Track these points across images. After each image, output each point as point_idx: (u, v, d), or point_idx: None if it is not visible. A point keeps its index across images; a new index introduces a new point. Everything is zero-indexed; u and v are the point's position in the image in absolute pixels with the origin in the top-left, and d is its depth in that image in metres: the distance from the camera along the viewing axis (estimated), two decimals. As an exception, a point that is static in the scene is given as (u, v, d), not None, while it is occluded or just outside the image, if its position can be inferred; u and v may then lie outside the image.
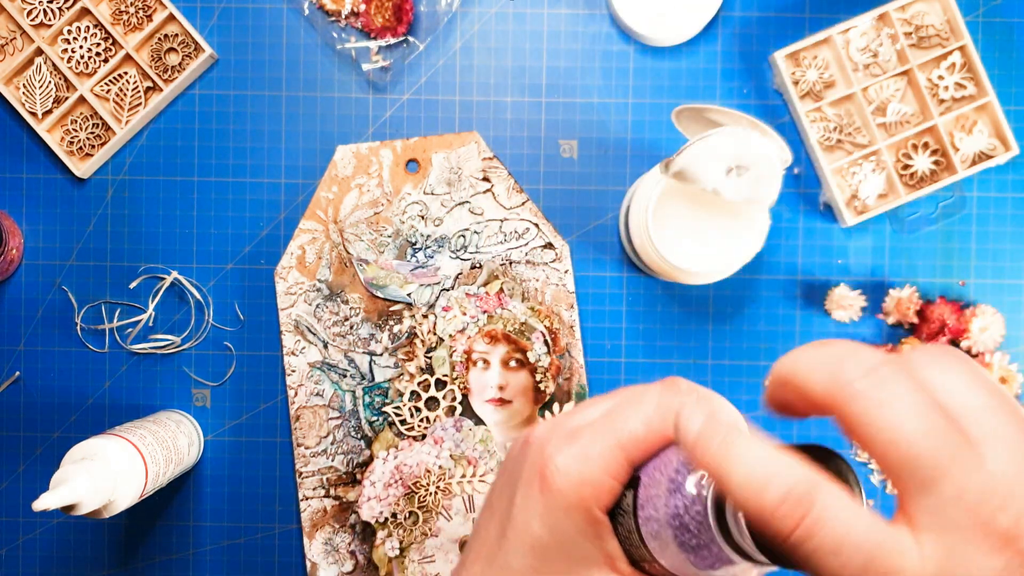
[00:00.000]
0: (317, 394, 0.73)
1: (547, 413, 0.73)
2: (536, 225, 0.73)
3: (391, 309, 0.73)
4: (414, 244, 0.73)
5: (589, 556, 0.29)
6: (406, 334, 0.73)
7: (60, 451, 0.73)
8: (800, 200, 0.74)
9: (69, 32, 0.73)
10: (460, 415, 0.73)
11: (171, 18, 0.73)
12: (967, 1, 0.74)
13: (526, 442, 0.32)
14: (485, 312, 0.73)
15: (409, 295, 0.73)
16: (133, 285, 0.74)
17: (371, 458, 0.73)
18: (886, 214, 0.74)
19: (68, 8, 0.73)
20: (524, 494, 0.30)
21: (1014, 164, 0.74)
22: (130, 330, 0.74)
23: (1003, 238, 0.74)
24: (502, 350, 0.73)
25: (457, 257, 0.73)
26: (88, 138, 0.73)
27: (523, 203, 0.73)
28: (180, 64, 0.73)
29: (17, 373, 0.74)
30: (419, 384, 0.73)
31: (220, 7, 0.74)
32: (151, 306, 0.74)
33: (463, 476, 0.73)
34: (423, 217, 0.73)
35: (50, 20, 0.73)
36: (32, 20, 0.73)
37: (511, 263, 0.73)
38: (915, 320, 0.73)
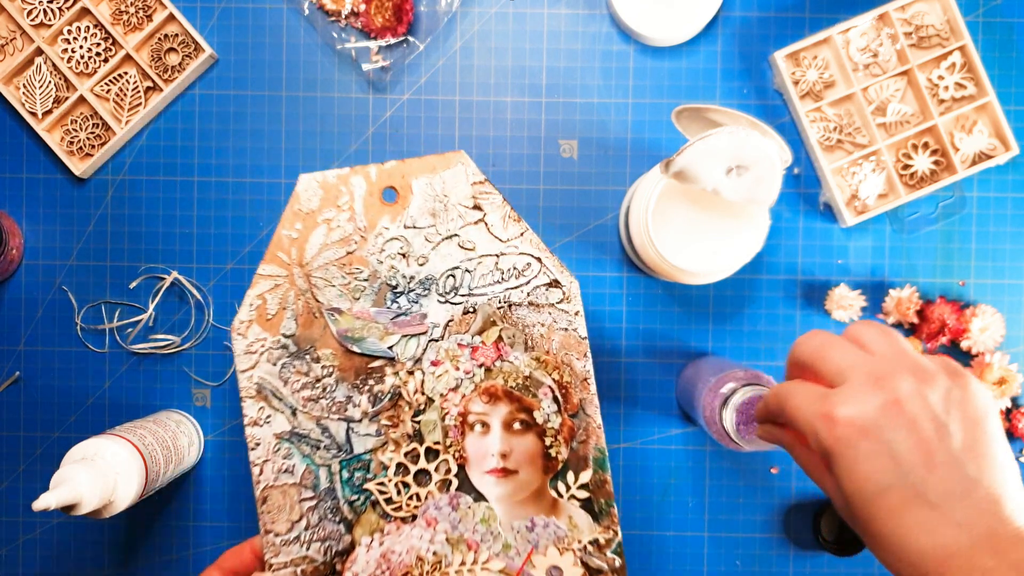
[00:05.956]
0: (286, 471, 0.61)
1: (559, 485, 0.61)
2: (539, 259, 0.62)
3: (370, 366, 0.61)
4: (395, 288, 0.62)
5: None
6: (389, 395, 0.61)
7: (60, 451, 0.73)
8: (800, 200, 0.74)
9: (69, 32, 0.73)
10: (456, 490, 0.61)
11: (171, 18, 0.73)
12: (967, 1, 0.74)
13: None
14: (482, 366, 0.62)
15: (391, 348, 0.62)
16: (133, 285, 0.74)
17: (352, 545, 0.60)
18: (886, 214, 0.74)
19: (68, 8, 0.73)
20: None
21: (1014, 164, 0.74)
22: (130, 330, 0.74)
23: (1003, 238, 0.74)
24: (503, 410, 0.61)
25: (447, 301, 0.62)
26: (88, 138, 0.73)
27: (521, 234, 0.62)
28: (180, 64, 0.73)
29: (17, 373, 0.74)
30: (406, 455, 0.61)
31: (220, 7, 0.74)
32: (151, 306, 0.74)
33: (462, 563, 0.60)
34: (404, 255, 0.62)
35: (50, 20, 0.73)
36: (32, 20, 0.73)
37: (511, 306, 0.62)
38: (915, 320, 0.73)
